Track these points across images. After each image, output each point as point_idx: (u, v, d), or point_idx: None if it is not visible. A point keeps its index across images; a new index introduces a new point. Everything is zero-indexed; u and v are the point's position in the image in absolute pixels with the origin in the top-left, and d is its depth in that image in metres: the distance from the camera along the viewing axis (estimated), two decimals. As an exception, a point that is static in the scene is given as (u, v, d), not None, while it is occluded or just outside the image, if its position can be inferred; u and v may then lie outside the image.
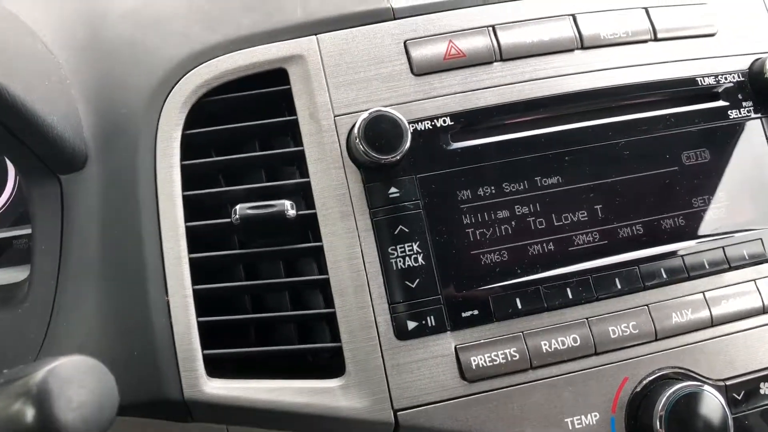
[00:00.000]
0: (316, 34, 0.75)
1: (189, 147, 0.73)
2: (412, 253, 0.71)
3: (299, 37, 0.75)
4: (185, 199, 0.71)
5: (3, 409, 0.44)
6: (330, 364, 0.71)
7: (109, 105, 0.74)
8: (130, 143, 0.72)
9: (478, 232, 0.72)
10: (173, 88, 0.73)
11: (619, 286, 0.72)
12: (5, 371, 0.47)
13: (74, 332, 0.70)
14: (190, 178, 0.72)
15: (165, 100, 0.73)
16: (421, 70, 0.74)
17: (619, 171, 0.75)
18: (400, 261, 0.70)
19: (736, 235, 0.76)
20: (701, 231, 0.75)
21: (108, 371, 0.47)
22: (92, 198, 0.72)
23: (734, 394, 0.73)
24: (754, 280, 0.75)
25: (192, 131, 0.73)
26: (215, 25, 0.76)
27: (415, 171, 0.72)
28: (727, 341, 0.73)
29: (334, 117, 0.72)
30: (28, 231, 0.87)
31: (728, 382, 0.73)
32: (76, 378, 0.45)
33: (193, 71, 0.73)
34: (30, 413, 0.43)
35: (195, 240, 0.71)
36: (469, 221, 0.72)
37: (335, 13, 0.76)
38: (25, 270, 0.80)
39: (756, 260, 0.76)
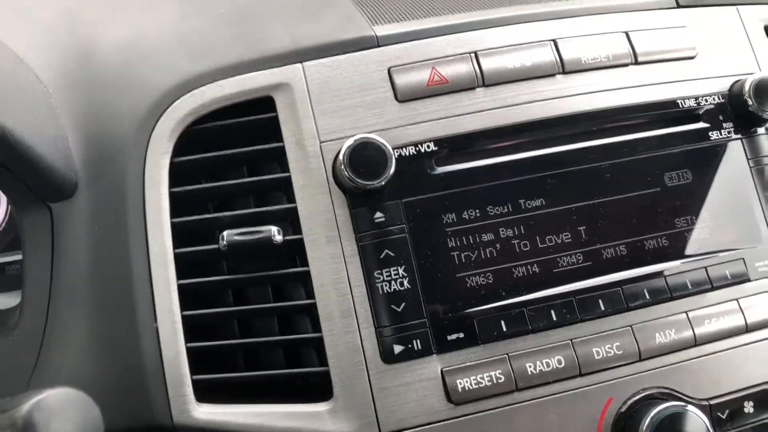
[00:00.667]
0: (301, 62, 0.76)
1: (178, 174, 0.74)
2: (397, 277, 0.71)
3: (285, 65, 0.76)
4: (174, 226, 0.72)
5: (-11, 442, 0.45)
6: (318, 388, 0.72)
7: (98, 134, 0.75)
8: (119, 171, 0.73)
9: (463, 255, 0.73)
10: (161, 116, 0.74)
11: (602, 308, 0.73)
12: (-8, 404, 0.48)
13: (65, 359, 0.71)
14: (178, 204, 0.73)
15: (153, 129, 0.74)
16: (405, 97, 0.75)
17: (602, 193, 0.76)
18: (386, 285, 0.71)
19: (719, 254, 0.77)
20: (684, 251, 0.76)
21: (93, 402, 0.48)
22: (82, 225, 0.73)
23: (719, 414, 0.73)
24: (737, 299, 0.76)
25: (180, 159, 0.74)
26: (202, 55, 0.77)
27: (401, 196, 0.73)
28: (711, 361, 0.74)
29: (320, 143, 0.73)
30: (20, 257, 0.87)
31: (712, 402, 0.73)
32: (61, 410, 0.45)
33: (180, 99, 0.74)
34: (15, 446, 0.44)
35: (183, 266, 0.72)
36: (454, 244, 0.73)
37: (320, 42, 0.77)
38: (18, 296, 0.81)
39: (738, 280, 0.77)
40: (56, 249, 0.74)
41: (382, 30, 0.78)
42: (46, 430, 0.44)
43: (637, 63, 0.79)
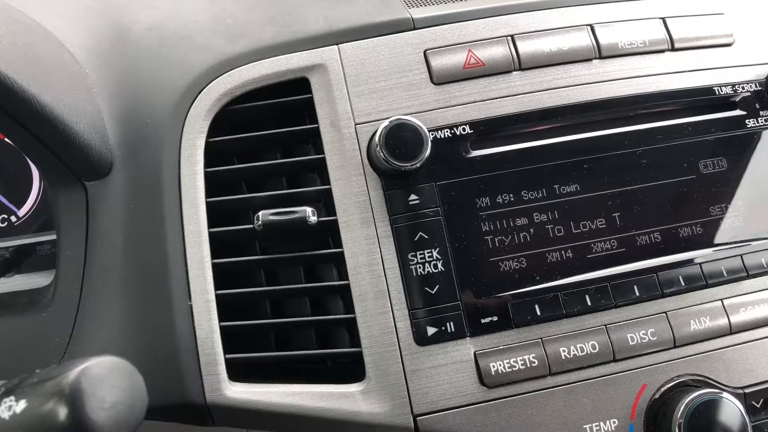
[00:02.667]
0: (337, 44, 0.76)
1: (212, 154, 0.74)
2: (431, 259, 0.71)
3: (321, 47, 0.76)
4: (208, 205, 0.72)
5: (36, 407, 0.45)
6: (348, 369, 0.72)
7: (134, 114, 0.76)
8: (154, 151, 0.74)
9: (497, 239, 0.72)
10: (197, 96, 0.74)
11: (637, 293, 0.73)
12: (38, 371, 0.48)
13: (98, 336, 0.71)
14: (213, 184, 0.74)
15: (189, 109, 0.74)
16: (440, 79, 0.75)
17: (637, 179, 0.75)
18: (419, 267, 0.71)
19: (754, 243, 0.76)
20: (719, 239, 0.75)
21: (137, 372, 0.48)
22: (117, 204, 0.74)
23: (753, 402, 0.73)
24: None
25: (215, 139, 0.74)
26: (237, 36, 0.78)
27: (435, 178, 0.73)
28: (746, 349, 0.73)
29: (355, 125, 0.73)
30: (51, 237, 0.88)
31: (747, 390, 0.73)
32: (108, 378, 0.46)
33: (216, 80, 0.75)
34: (63, 412, 0.44)
35: (217, 245, 0.72)
36: (488, 228, 0.73)
37: (356, 24, 0.77)
38: (48, 275, 0.82)
39: (774, 268, 0.76)
40: (91, 227, 0.74)
41: (418, 12, 0.78)
42: (92, 396, 0.44)
43: (673, 49, 0.79)
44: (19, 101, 0.64)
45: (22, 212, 0.91)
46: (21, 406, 0.45)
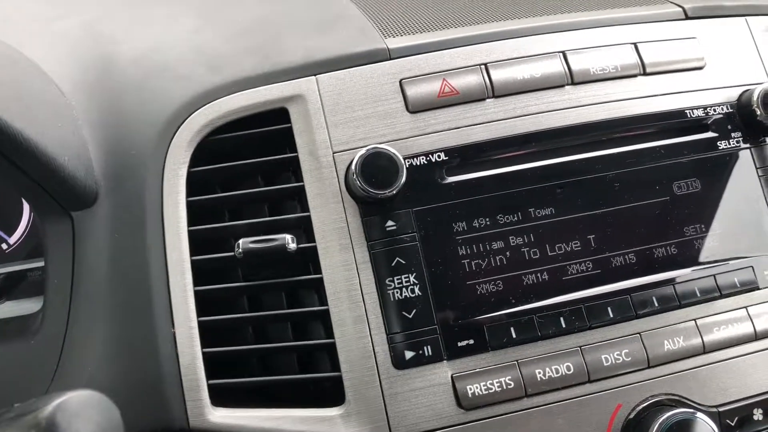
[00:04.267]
0: (315, 75, 0.78)
1: (194, 183, 0.76)
2: (408, 284, 0.73)
3: (299, 78, 0.78)
4: (191, 234, 0.74)
5: (14, 441, 0.46)
6: (330, 394, 0.73)
7: (118, 145, 0.77)
8: (138, 181, 0.75)
9: (473, 263, 0.74)
10: (179, 127, 0.76)
11: (611, 315, 0.74)
12: (16, 405, 0.49)
13: (85, 363, 0.73)
14: (195, 213, 0.75)
15: (171, 140, 0.76)
16: (416, 108, 0.76)
17: (611, 202, 0.77)
18: (397, 292, 0.72)
19: (728, 263, 0.77)
20: (692, 259, 0.77)
21: (113, 405, 0.50)
22: (102, 233, 0.75)
23: (727, 421, 0.74)
24: (746, 307, 0.76)
25: (197, 168, 0.76)
26: (219, 67, 0.79)
27: (412, 204, 0.74)
28: (720, 368, 0.75)
29: (333, 154, 0.75)
30: (42, 263, 0.90)
31: (721, 409, 0.74)
32: (83, 412, 0.47)
33: (198, 111, 0.76)
34: (39, 446, 0.46)
35: (200, 273, 0.74)
36: (464, 252, 0.74)
37: (334, 54, 0.79)
38: (39, 301, 0.83)
39: (747, 288, 0.77)
40: (77, 256, 0.76)
41: (394, 42, 0.80)
42: (67, 430, 0.46)
43: (645, 74, 0.80)
44: (3, 136, 0.66)
45: (12, 240, 0.93)
46: (-1, 440, 0.47)
